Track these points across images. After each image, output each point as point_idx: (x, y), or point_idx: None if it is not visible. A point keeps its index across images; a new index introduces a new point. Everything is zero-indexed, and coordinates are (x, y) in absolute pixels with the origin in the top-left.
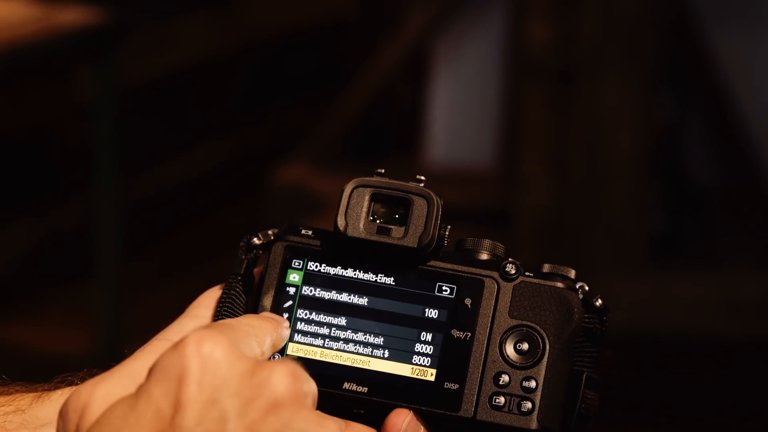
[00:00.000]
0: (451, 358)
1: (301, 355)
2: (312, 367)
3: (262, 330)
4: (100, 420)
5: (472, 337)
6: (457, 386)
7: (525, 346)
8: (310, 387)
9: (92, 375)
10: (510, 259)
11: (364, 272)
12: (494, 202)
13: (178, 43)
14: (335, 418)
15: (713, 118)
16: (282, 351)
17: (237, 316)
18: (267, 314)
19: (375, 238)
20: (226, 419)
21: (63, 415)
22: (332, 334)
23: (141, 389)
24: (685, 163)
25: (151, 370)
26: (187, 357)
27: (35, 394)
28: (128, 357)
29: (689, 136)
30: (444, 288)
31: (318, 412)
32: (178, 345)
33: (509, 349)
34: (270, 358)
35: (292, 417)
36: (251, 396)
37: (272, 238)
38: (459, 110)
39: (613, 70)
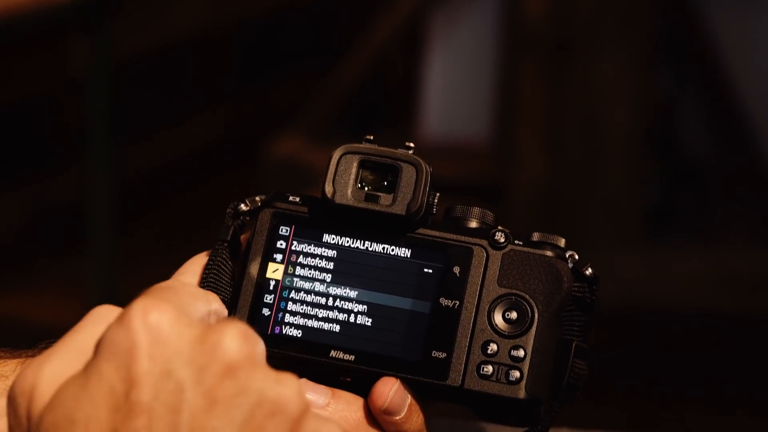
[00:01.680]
0: (438, 327)
1: (290, 322)
2: (301, 335)
3: (204, 294)
4: (52, 403)
5: (460, 306)
6: (444, 355)
7: (513, 314)
8: (261, 346)
9: None
10: (499, 227)
11: (352, 239)
12: (489, 176)
13: (173, 15)
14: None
15: (709, 92)
16: (272, 321)
17: (223, 283)
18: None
19: (363, 205)
20: (182, 389)
21: (11, 400)
22: (319, 302)
23: (90, 367)
24: (681, 138)
25: (98, 346)
26: (134, 330)
27: (19, 360)
28: (70, 330)
29: (685, 110)
30: (432, 256)
31: (274, 370)
32: (123, 318)
33: (498, 318)
34: None
35: (249, 377)
36: (204, 362)
37: (259, 204)
38: (454, 84)
39: (610, 44)
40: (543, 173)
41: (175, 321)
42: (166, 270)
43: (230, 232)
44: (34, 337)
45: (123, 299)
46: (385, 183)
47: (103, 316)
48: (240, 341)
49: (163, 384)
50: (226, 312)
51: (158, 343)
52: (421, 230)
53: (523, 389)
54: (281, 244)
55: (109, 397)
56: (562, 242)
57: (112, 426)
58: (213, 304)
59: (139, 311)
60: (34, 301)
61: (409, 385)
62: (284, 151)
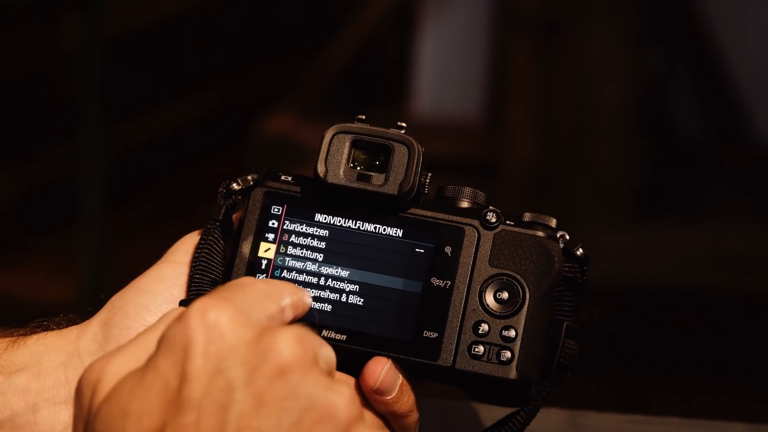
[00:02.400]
0: (430, 307)
1: None
2: None
3: (279, 291)
4: (110, 394)
5: (451, 286)
6: (436, 335)
7: (505, 295)
8: (322, 352)
9: (68, 320)
10: (491, 207)
11: (344, 219)
12: (480, 154)
13: None
14: (347, 381)
15: (700, 71)
16: None
17: (215, 262)
18: (288, 282)
19: (355, 185)
20: (233, 388)
21: (77, 391)
22: (311, 281)
23: (149, 362)
24: (672, 117)
25: (159, 343)
26: (192, 328)
27: (11, 339)
28: (145, 329)
29: (676, 89)
30: (424, 235)
31: (330, 376)
32: (182, 316)
33: (489, 298)
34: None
35: (300, 382)
36: (257, 363)
37: (251, 183)
38: (446, 61)
39: (601, 22)
40: (534, 151)
41: (233, 320)
42: (157, 248)
43: (222, 212)
44: (25, 314)
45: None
46: (377, 163)
47: (172, 317)
48: (294, 345)
49: (215, 382)
50: (307, 301)
51: (213, 341)
52: (413, 210)
53: (514, 369)
54: (273, 224)
55: (163, 391)
56: (553, 222)
57: (163, 420)
58: (287, 298)
59: (198, 310)
60: (25, 278)
61: (401, 364)
62: (276, 128)
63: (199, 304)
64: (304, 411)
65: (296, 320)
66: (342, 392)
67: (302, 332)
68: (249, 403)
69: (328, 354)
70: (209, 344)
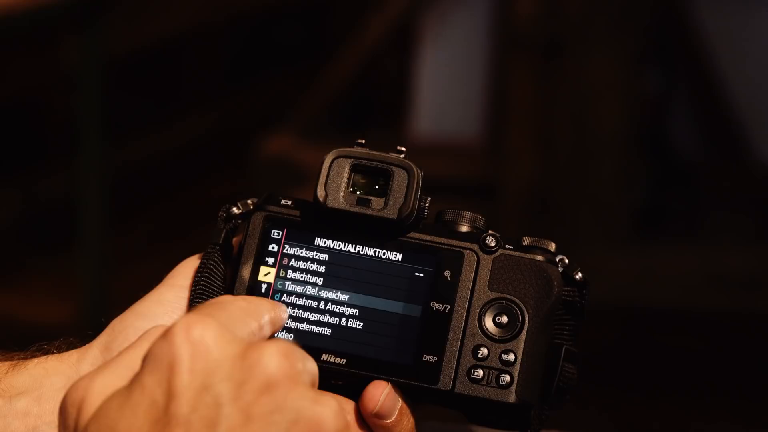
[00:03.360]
0: (429, 331)
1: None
2: (291, 338)
3: (258, 308)
4: (97, 413)
5: (451, 310)
6: (435, 359)
7: (504, 319)
8: (306, 365)
9: (69, 344)
10: (490, 232)
11: (344, 243)
12: (480, 175)
13: (164, 13)
14: (333, 394)
15: (699, 92)
16: None
17: (215, 286)
18: (264, 299)
19: (355, 209)
20: (220, 404)
21: (62, 410)
22: (311, 305)
23: (135, 380)
24: (670, 138)
25: (144, 360)
26: (177, 345)
27: (11, 362)
28: (126, 348)
29: (675, 110)
30: (424, 260)
31: (315, 389)
32: (167, 333)
33: (488, 322)
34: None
35: (287, 396)
36: (243, 378)
37: (252, 207)
38: (445, 82)
39: (600, 43)
40: (533, 172)
41: (218, 336)
42: (157, 268)
43: (222, 236)
44: (24, 335)
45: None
46: (377, 187)
47: (156, 334)
48: (279, 359)
49: (202, 398)
50: (283, 317)
51: (199, 357)
52: (413, 234)
53: (514, 393)
54: (273, 248)
55: (151, 409)
56: (552, 246)
57: None
58: (265, 315)
59: (183, 326)
60: (24, 299)
61: (400, 388)
62: (275, 149)
63: (183, 321)
64: (291, 424)
65: (273, 335)
66: (329, 405)
67: (286, 346)
68: (237, 418)
69: (312, 367)
70: (195, 360)
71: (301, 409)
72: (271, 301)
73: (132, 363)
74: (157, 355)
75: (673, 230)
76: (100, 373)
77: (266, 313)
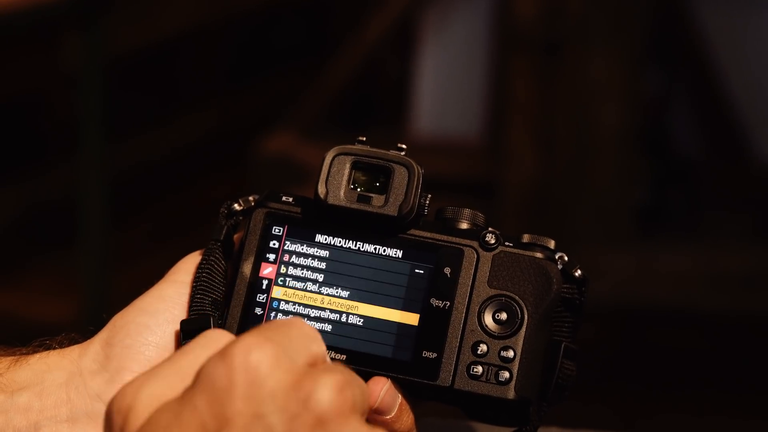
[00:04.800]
0: (429, 327)
1: None
2: None
3: (311, 335)
4: (145, 427)
5: (450, 307)
6: (435, 355)
7: (503, 315)
8: (359, 395)
9: (70, 339)
10: (490, 229)
11: (344, 240)
12: (480, 174)
13: (165, 12)
14: (383, 428)
15: (699, 91)
16: (264, 319)
17: (216, 283)
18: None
19: (355, 206)
20: None
21: (107, 416)
22: (311, 302)
23: (186, 397)
24: (671, 137)
25: (197, 377)
26: (234, 369)
27: (13, 357)
28: (178, 350)
29: (675, 109)
30: (424, 257)
31: (367, 424)
32: (225, 352)
33: (488, 319)
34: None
35: (339, 431)
36: (297, 411)
37: (253, 204)
38: (446, 81)
39: (600, 43)
40: (534, 171)
41: (276, 364)
42: (157, 267)
43: (223, 232)
44: (26, 333)
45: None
46: (378, 184)
47: (213, 340)
48: (334, 393)
49: (253, 427)
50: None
51: (255, 384)
52: (413, 231)
53: (513, 389)
54: (274, 244)
55: (200, 431)
56: (551, 244)
57: None
58: (323, 347)
59: (242, 349)
60: (26, 297)
61: (400, 384)
62: (276, 148)
63: (243, 343)
64: None
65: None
66: None
67: (342, 379)
68: None
69: (365, 395)
70: (250, 387)
71: None
72: (315, 329)
73: (183, 371)
74: (212, 376)
75: (673, 229)
76: (149, 380)
77: (314, 342)
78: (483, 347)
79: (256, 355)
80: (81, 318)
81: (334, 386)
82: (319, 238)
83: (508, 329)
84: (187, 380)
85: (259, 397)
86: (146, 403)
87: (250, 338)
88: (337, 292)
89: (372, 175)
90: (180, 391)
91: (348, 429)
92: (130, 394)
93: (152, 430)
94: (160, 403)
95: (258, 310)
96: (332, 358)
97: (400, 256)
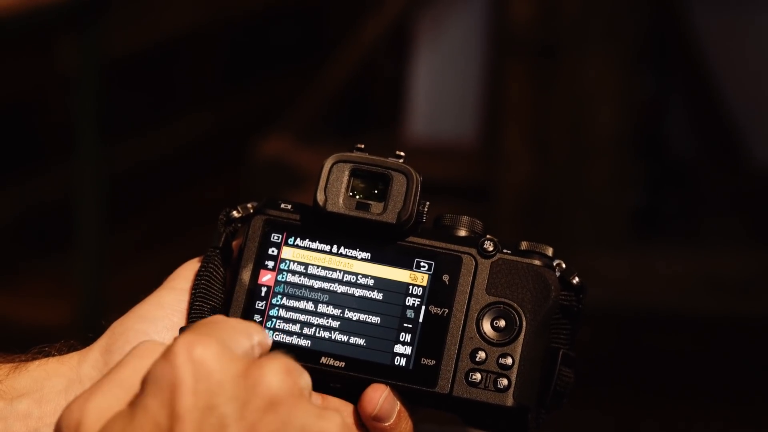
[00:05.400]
0: (428, 335)
1: (281, 329)
2: (291, 342)
3: (248, 329)
4: None
5: (449, 314)
6: (433, 362)
7: (502, 323)
8: (305, 379)
9: (69, 346)
10: (488, 236)
11: (343, 247)
12: (475, 177)
13: (160, 14)
14: (335, 407)
15: (695, 94)
16: (263, 327)
17: (215, 290)
18: (250, 321)
19: (354, 213)
20: (225, 424)
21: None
22: (310, 309)
23: (136, 402)
24: (666, 140)
25: (144, 381)
26: (179, 365)
27: (12, 364)
28: (116, 365)
29: (671, 112)
30: (422, 264)
31: (317, 404)
32: (168, 353)
33: (486, 326)
34: None
35: (291, 413)
36: (247, 397)
37: (251, 211)
38: (441, 85)
39: (596, 46)
40: (529, 175)
41: (219, 356)
42: (153, 271)
43: (222, 239)
44: (21, 337)
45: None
46: (376, 191)
47: (148, 350)
48: (282, 376)
49: (206, 419)
50: (269, 342)
51: (202, 378)
52: (411, 238)
53: (511, 397)
54: (273, 251)
55: (155, 431)
56: (549, 251)
57: None
58: (255, 336)
59: (183, 346)
60: (21, 300)
61: (399, 391)
62: (271, 151)
63: (183, 341)
64: None
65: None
66: (333, 419)
67: (287, 362)
68: None
69: (308, 380)
70: (198, 381)
71: (306, 425)
72: (256, 323)
73: (127, 383)
74: (158, 376)
75: (669, 233)
76: (95, 393)
77: (255, 334)
78: (481, 354)
79: (199, 350)
80: (77, 321)
81: (281, 370)
82: (318, 245)
83: (507, 336)
84: (131, 390)
85: (208, 389)
86: (95, 416)
87: (190, 336)
88: (335, 300)
89: (371, 183)
90: (126, 401)
91: (299, 409)
92: (77, 409)
93: None
94: (109, 414)
95: (257, 318)
96: (330, 365)
97: (398, 264)
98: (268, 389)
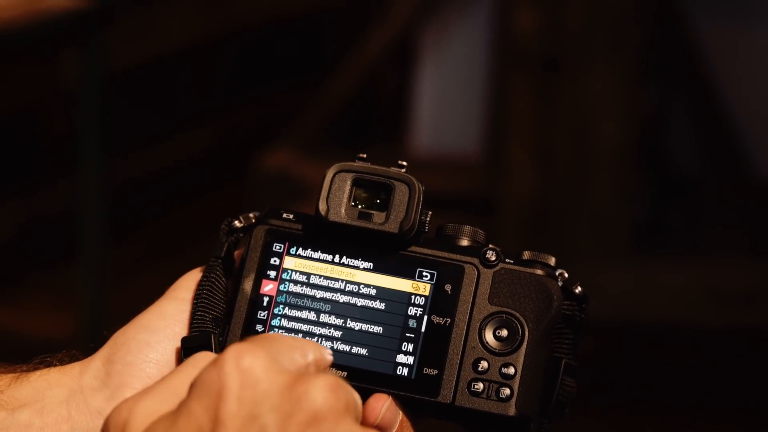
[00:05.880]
0: (430, 344)
1: None
2: None
3: (304, 346)
4: None
5: (451, 323)
6: (436, 372)
7: (504, 332)
8: (351, 398)
9: (71, 356)
10: (490, 246)
11: (345, 257)
12: (479, 190)
13: (164, 27)
14: (376, 429)
15: (698, 107)
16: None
17: (217, 300)
18: (310, 340)
19: (356, 223)
20: None
21: (104, 430)
22: (313, 319)
23: (181, 406)
24: (670, 153)
25: (192, 386)
26: (227, 373)
27: (14, 375)
28: (171, 372)
29: (674, 125)
30: (424, 273)
31: (360, 426)
32: (217, 360)
33: (488, 336)
34: None
35: (332, 429)
36: (291, 410)
37: (253, 221)
38: (445, 97)
39: (599, 59)
40: (533, 187)
41: (267, 367)
42: (157, 282)
43: (224, 249)
44: (25, 348)
45: (114, 311)
46: (378, 201)
47: (203, 360)
48: (327, 393)
49: (248, 427)
50: (328, 360)
51: (248, 386)
52: (413, 248)
53: (514, 406)
54: (275, 261)
55: None
56: (552, 261)
57: None
58: (311, 354)
59: (233, 354)
60: (24, 312)
61: (401, 401)
62: (275, 164)
63: (233, 350)
64: None
65: None
66: None
67: (334, 380)
68: None
69: (357, 400)
70: (243, 389)
71: None
72: (314, 342)
73: (177, 388)
74: (205, 382)
75: (672, 245)
76: (145, 396)
77: (311, 351)
78: (484, 364)
79: (248, 359)
80: (80, 333)
81: (327, 386)
82: (320, 255)
83: (509, 346)
84: (179, 396)
85: (253, 398)
86: (142, 417)
87: (241, 346)
88: (337, 310)
89: (373, 192)
90: (174, 405)
91: (342, 427)
92: (126, 409)
93: None
94: (155, 417)
95: (259, 327)
96: None
97: (400, 274)
98: (312, 404)
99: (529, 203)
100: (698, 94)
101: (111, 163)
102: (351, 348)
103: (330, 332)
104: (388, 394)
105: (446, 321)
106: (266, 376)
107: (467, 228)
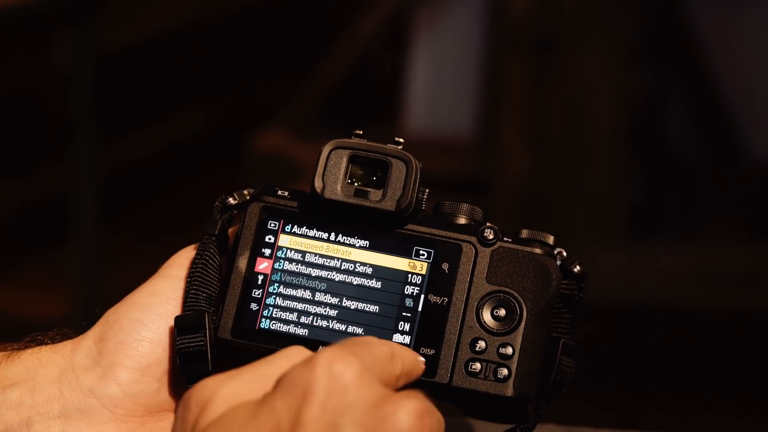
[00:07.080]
0: (427, 324)
1: (278, 317)
2: (289, 331)
3: (402, 357)
4: (220, 420)
5: (449, 303)
6: (433, 352)
7: (502, 312)
8: (439, 424)
9: (63, 335)
10: (488, 224)
11: (341, 235)
12: (474, 172)
13: (158, 10)
14: None
15: (694, 90)
16: (259, 315)
17: (211, 277)
18: (409, 349)
19: (352, 200)
20: None
21: (184, 404)
22: (308, 297)
23: (265, 398)
24: (665, 136)
25: (279, 381)
26: (316, 376)
27: (5, 353)
28: (262, 359)
29: (669, 107)
30: (421, 252)
31: None
32: (310, 360)
33: (486, 315)
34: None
35: None
36: (373, 428)
37: (248, 198)
38: (439, 79)
39: (594, 41)
40: (528, 169)
41: (358, 378)
42: (150, 265)
43: (218, 226)
44: (18, 330)
45: (107, 294)
46: (375, 178)
47: (296, 355)
48: (414, 417)
49: None
50: (418, 372)
51: (335, 394)
52: (410, 226)
53: (511, 387)
54: (270, 239)
55: (274, 431)
56: (550, 239)
57: None
58: (403, 365)
59: (326, 358)
60: (18, 294)
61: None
62: (269, 145)
63: (327, 353)
64: None
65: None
66: None
67: (423, 406)
68: None
69: (441, 425)
70: (330, 396)
71: None
72: (413, 352)
73: (265, 377)
74: (293, 380)
75: (668, 228)
76: (231, 378)
77: (405, 363)
78: (481, 344)
79: (340, 366)
80: (73, 315)
81: (415, 411)
82: (316, 232)
83: (507, 326)
84: (266, 385)
85: (338, 407)
86: (225, 398)
87: (336, 350)
88: (333, 288)
89: (369, 170)
90: (259, 394)
91: None
92: (211, 388)
93: (227, 423)
94: (238, 401)
95: (254, 306)
96: None
97: (397, 252)
98: (396, 427)
99: (524, 185)
100: (694, 76)
101: (104, 145)
102: (347, 327)
103: (325, 311)
104: None
105: (443, 300)
106: (355, 387)
107: (465, 206)
